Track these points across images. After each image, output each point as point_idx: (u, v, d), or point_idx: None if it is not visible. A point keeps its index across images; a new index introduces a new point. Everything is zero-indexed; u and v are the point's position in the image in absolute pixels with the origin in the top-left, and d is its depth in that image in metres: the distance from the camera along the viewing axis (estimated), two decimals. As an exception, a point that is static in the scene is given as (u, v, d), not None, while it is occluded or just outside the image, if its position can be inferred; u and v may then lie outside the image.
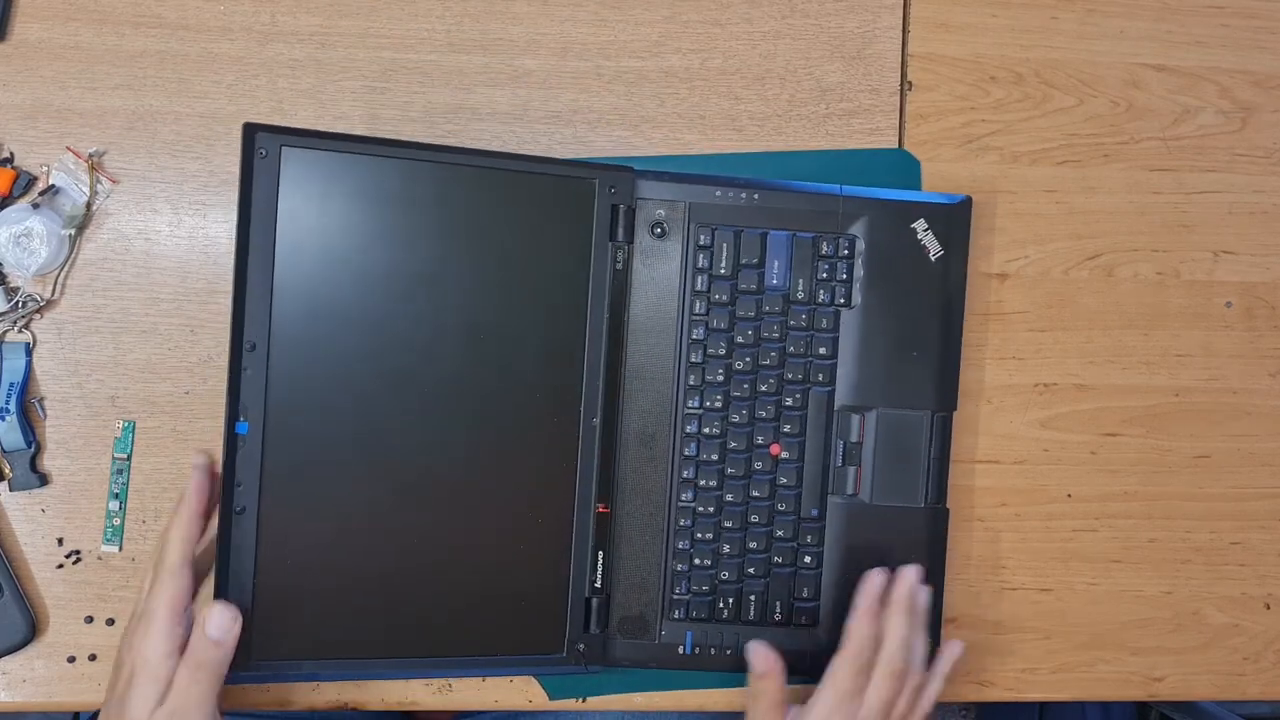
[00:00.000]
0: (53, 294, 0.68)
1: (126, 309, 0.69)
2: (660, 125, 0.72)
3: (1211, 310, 0.75)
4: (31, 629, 0.67)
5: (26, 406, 0.68)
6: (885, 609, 0.65)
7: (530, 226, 0.67)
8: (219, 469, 0.62)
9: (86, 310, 0.69)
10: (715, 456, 0.69)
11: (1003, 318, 0.74)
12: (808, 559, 0.69)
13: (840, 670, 0.63)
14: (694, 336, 0.69)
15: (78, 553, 0.68)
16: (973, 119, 0.74)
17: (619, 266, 0.68)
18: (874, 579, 0.66)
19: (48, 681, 0.68)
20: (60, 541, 0.68)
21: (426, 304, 0.65)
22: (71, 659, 0.68)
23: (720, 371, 0.69)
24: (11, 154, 0.68)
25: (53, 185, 0.68)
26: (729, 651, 0.69)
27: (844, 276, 0.70)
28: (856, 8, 0.74)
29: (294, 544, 0.63)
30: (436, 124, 0.71)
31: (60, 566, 0.68)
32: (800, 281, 0.69)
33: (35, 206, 0.67)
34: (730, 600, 0.69)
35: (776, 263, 0.69)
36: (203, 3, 0.70)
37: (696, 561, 0.69)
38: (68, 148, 0.69)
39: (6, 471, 0.68)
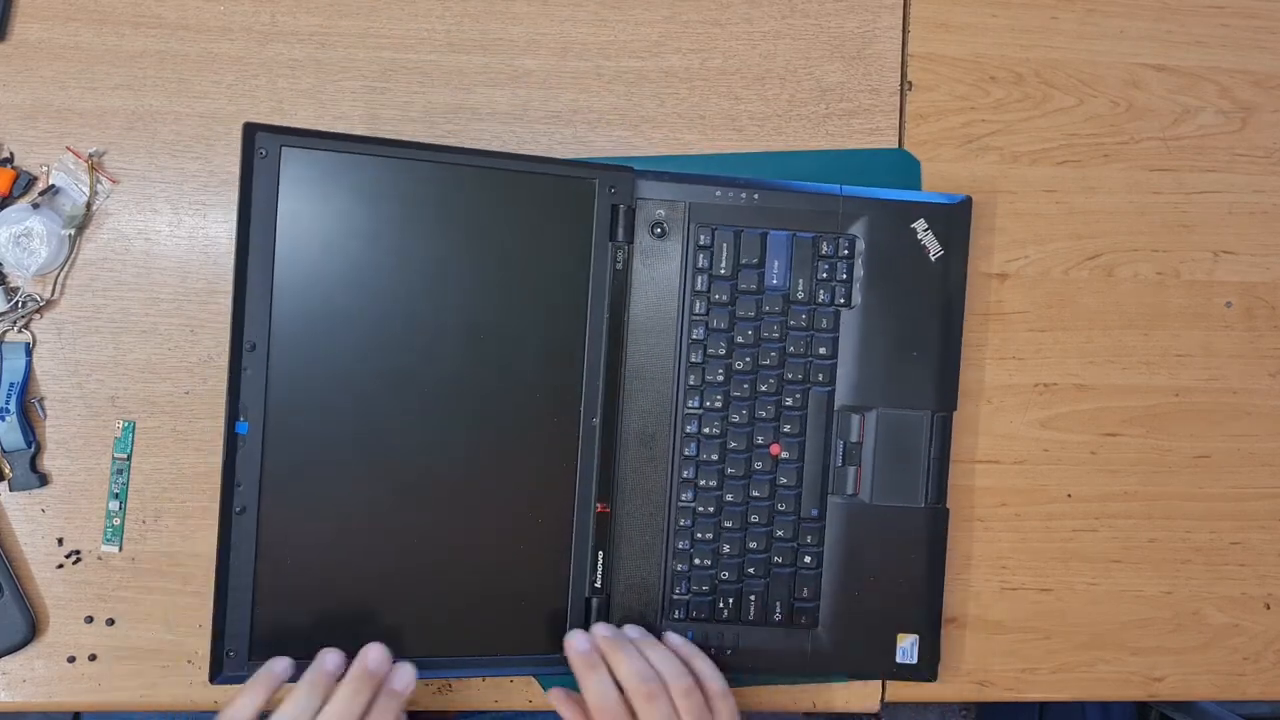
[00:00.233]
0: (53, 294, 0.68)
1: (126, 309, 0.69)
2: (660, 125, 0.72)
3: (1211, 310, 0.75)
4: (31, 629, 0.67)
5: (26, 406, 0.68)
6: (611, 650, 0.63)
7: (530, 226, 0.67)
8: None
9: (86, 310, 0.69)
10: (715, 456, 0.69)
11: (1003, 318, 0.74)
12: (808, 559, 0.69)
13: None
14: (694, 336, 0.69)
15: (78, 553, 0.68)
16: (973, 119, 0.74)
17: (619, 266, 0.68)
18: (574, 642, 0.64)
19: (48, 681, 0.68)
20: (60, 541, 0.68)
21: (426, 304, 0.65)
22: (71, 659, 0.68)
23: (720, 371, 0.69)
24: (11, 154, 0.68)
25: (53, 185, 0.68)
26: (729, 651, 0.69)
27: (844, 276, 0.70)
28: (856, 8, 0.74)
29: (294, 544, 0.63)
30: (436, 124, 0.71)
31: (60, 566, 0.68)
32: (800, 281, 0.69)
33: (35, 206, 0.67)
34: (730, 600, 0.69)
35: (776, 263, 0.69)
36: (203, 3, 0.70)
37: (696, 561, 0.69)
38: (68, 148, 0.69)
39: (6, 471, 0.68)
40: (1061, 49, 0.75)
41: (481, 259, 0.66)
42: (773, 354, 0.69)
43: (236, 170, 0.61)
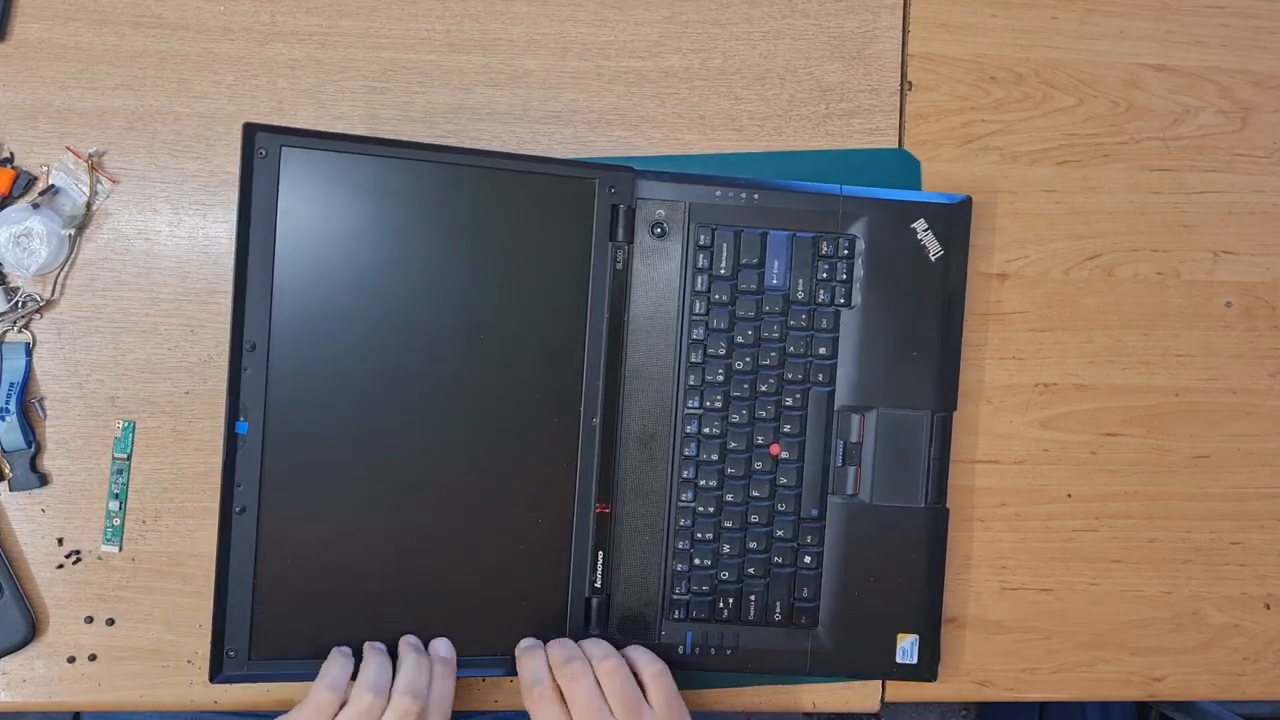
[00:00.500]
0: (53, 294, 0.68)
1: (126, 309, 0.69)
2: (660, 125, 0.72)
3: (1211, 310, 0.75)
4: (31, 629, 0.67)
5: (26, 406, 0.68)
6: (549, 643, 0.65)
7: (530, 226, 0.67)
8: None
9: (86, 310, 0.69)
10: (715, 456, 0.69)
11: (1003, 318, 0.74)
12: (808, 559, 0.69)
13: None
14: (694, 336, 0.69)
15: (78, 553, 0.68)
16: (973, 119, 0.74)
17: (619, 266, 0.68)
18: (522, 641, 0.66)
19: (48, 681, 0.68)
20: (60, 541, 0.68)
21: (426, 304, 0.65)
22: (71, 659, 0.68)
23: (720, 371, 0.69)
24: (11, 154, 0.68)
25: (53, 185, 0.68)
26: (729, 651, 0.69)
27: (844, 276, 0.70)
28: (856, 8, 0.74)
29: (294, 544, 0.63)
30: (436, 124, 0.71)
31: (60, 566, 0.68)
32: (800, 281, 0.69)
33: (35, 206, 0.67)
34: (730, 600, 0.69)
35: (776, 263, 0.69)
36: (203, 3, 0.70)
37: (696, 561, 0.69)
38: (68, 148, 0.69)
39: (6, 471, 0.68)
40: (1061, 49, 0.75)
41: (481, 259, 0.66)
42: (773, 354, 0.69)
43: (236, 170, 0.61)
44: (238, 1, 0.70)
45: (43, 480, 0.68)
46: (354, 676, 0.61)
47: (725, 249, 0.69)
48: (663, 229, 0.69)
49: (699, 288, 0.69)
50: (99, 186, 0.69)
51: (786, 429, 0.69)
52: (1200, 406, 0.75)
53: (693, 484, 0.69)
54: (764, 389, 0.69)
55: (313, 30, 0.70)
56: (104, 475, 0.68)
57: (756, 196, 0.69)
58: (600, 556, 0.68)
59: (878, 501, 0.70)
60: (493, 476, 0.66)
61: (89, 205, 0.68)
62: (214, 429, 0.69)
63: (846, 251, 0.70)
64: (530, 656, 0.64)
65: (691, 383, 0.69)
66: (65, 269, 0.68)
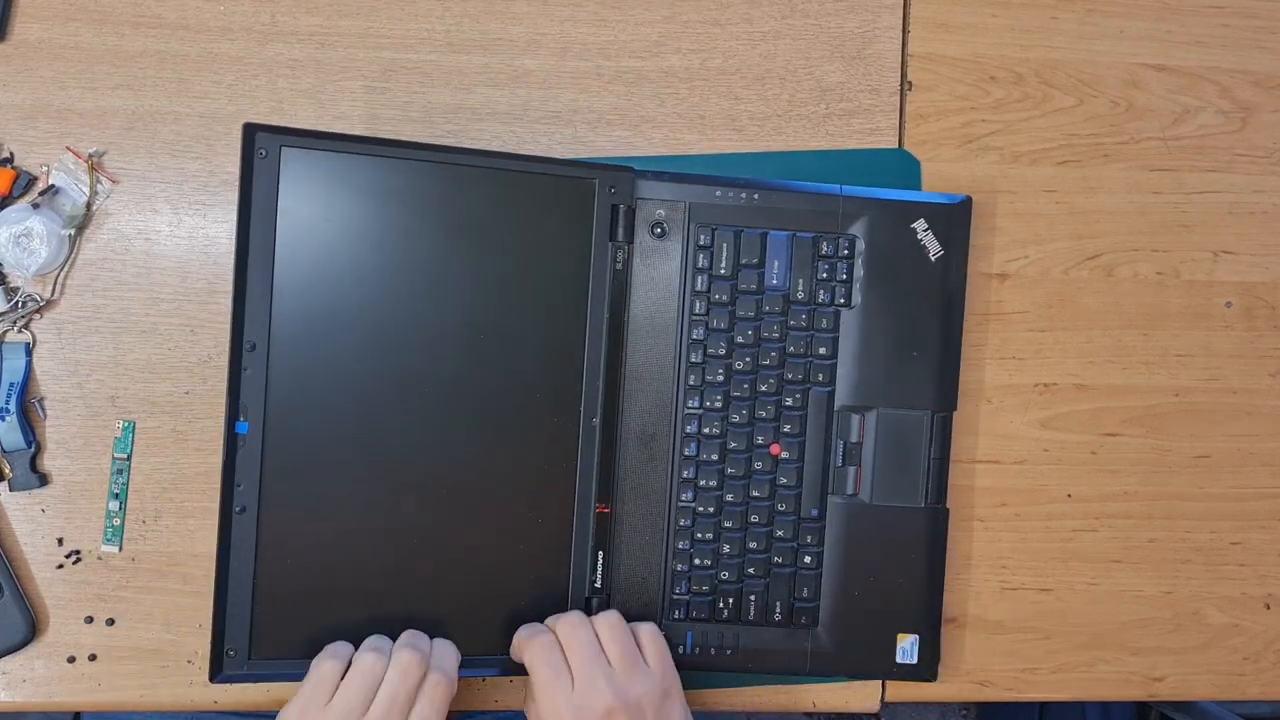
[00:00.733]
0: (53, 294, 0.68)
1: (126, 309, 0.69)
2: (660, 125, 0.72)
3: (1211, 310, 0.75)
4: (31, 629, 0.67)
5: (26, 406, 0.68)
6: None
7: (530, 226, 0.67)
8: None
9: (86, 310, 0.69)
10: (715, 456, 0.69)
11: (1003, 318, 0.74)
12: (808, 559, 0.69)
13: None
14: (694, 336, 0.69)
15: (78, 553, 0.68)
16: (973, 119, 0.74)
17: (619, 266, 0.68)
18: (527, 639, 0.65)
19: (48, 681, 0.68)
20: (60, 541, 0.68)
21: (426, 304, 0.65)
22: (71, 659, 0.68)
23: (720, 371, 0.69)
24: (11, 154, 0.68)
25: (53, 185, 0.68)
26: (729, 651, 0.69)
27: (844, 276, 0.70)
28: (856, 8, 0.74)
29: (294, 544, 0.63)
30: (436, 124, 0.71)
31: (60, 566, 0.68)
32: (800, 281, 0.69)
33: (35, 206, 0.67)
34: (730, 600, 0.69)
35: (776, 263, 0.69)
36: (203, 3, 0.70)
37: (696, 561, 0.69)
38: (68, 148, 0.69)
39: (6, 471, 0.68)
40: (1061, 49, 0.75)
41: (481, 259, 0.66)
42: (773, 354, 0.69)
43: (236, 170, 0.61)
44: (238, 1, 0.70)
45: (43, 480, 0.68)
46: None
47: (725, 249, 0.69)
48: (663, 229, 0.69)
49: (699, 288, 0.69)
50: (99, 186, 0.69)
51: (786, 429, 0.69)
52: (1200, 406, 0.75)
53: (693, 484, 0.69)
54: (764, 389, 0.69)
55: (313, 30, 0.70)
56: (104, 475, 0.68)
57: (756, 196, 0.69)
58: (600, 556, 0.68)
59: (878, 501, 0.70)
60: (493, 476, 0.66)
61: (89, 205, 0.68)
62: (214, 429, 0.69)
63: (846, 251, 0.70)
64: (529, 624, 0.65)
65: (691, 383, 0.69)
66: (65, 269, 0.68)
